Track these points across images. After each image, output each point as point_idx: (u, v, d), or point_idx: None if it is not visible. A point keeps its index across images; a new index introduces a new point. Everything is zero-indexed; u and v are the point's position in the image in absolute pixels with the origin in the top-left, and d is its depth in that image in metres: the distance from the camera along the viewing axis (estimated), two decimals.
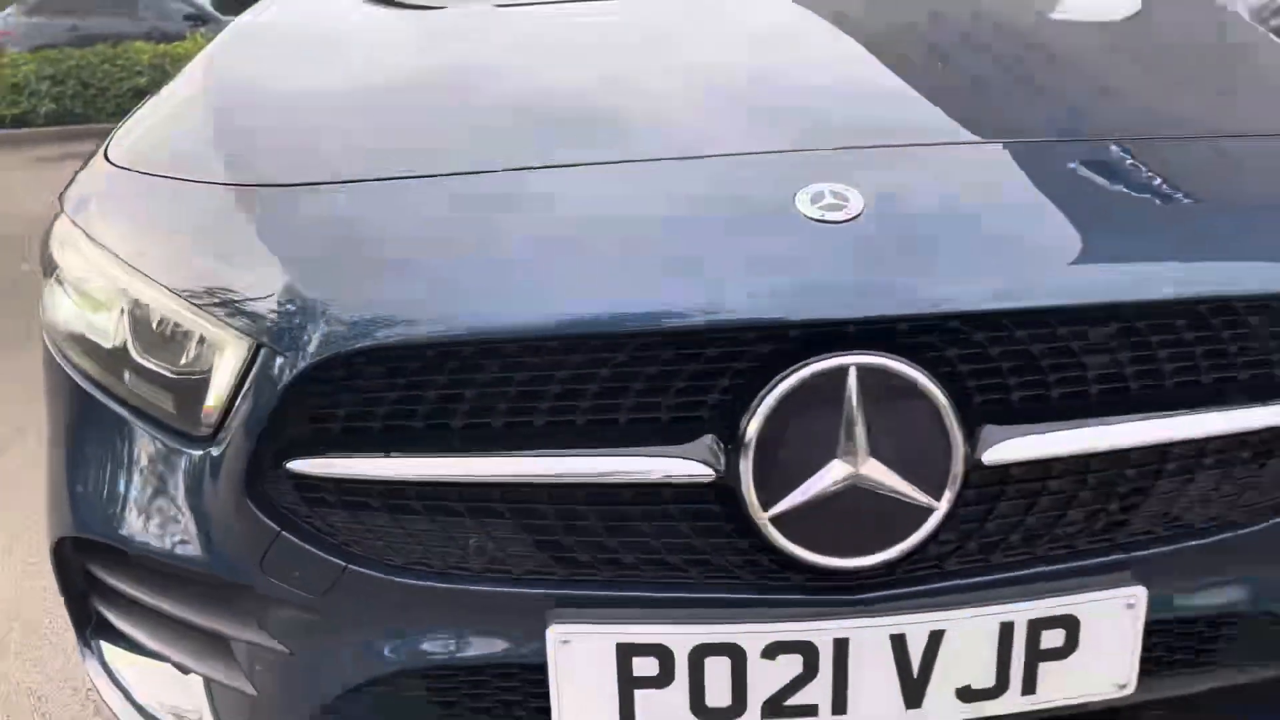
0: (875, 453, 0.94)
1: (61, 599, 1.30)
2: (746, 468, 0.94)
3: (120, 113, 9.29)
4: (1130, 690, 1.03)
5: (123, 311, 1.12)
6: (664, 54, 1.43)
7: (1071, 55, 1.46)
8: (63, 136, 10.70)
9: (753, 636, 0.97)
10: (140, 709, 1.23)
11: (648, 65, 1.39)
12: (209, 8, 15.61)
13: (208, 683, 1.18)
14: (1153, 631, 1.04)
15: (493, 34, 1.65)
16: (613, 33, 1.56)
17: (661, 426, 0.97)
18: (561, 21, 1.64)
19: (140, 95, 11.16)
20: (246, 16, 1.87)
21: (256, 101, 1.39)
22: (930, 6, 1.67)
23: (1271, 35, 1.65)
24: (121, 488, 1.12)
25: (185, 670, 1.20)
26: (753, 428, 0.93)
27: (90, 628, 1.30)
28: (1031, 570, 1.01)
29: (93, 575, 1.24)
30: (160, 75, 11.33)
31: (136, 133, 1.39)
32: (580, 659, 0.98)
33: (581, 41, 1.53)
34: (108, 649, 1.28)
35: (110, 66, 11.28)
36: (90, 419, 1.16)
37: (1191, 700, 1.12)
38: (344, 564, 1.00)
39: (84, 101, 11.05)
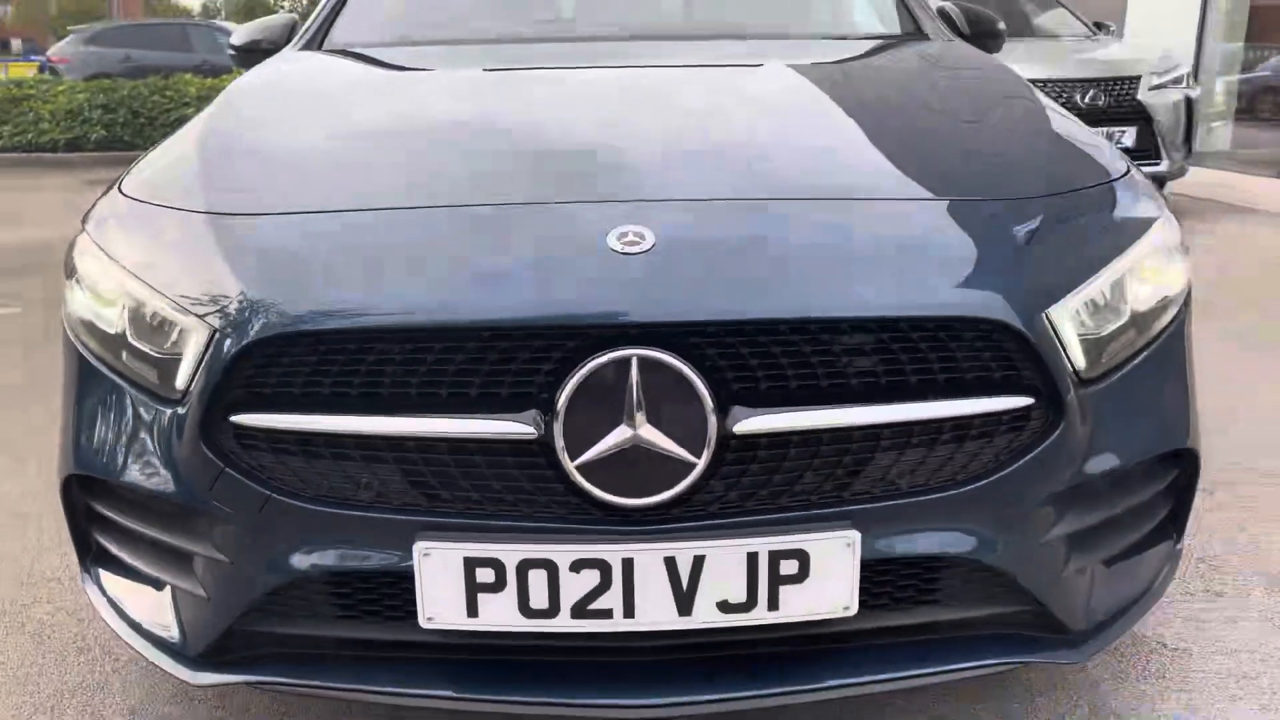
0: (651, 421, 1.29)
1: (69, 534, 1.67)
2: (558, 429, 1.29)
3: None
4: (853, 612, 1.36)
5: (123, 308, 1.49)
6: (552, 123, 1.81)
7: (845, 129, 1.82)
8: (112, 161, 11.30)
9: (563, 554, 1.32)
10: (128, 620, 1.59)
11: (538, 131, 1.78)
12: None
13: (174, 594, 1.53)
14: (871, 568, 1.37)
15: (439, 94, 2.06)
16: (523, 105, 1.96)
17: (501, 400, 1.32)
18: (489, 90, 2.05)
19: None
20: (249, 74, 2.28)
21: (236, 149, 1.79)
22: (739, 90, 2.07)
23: (1052, 106, 1.97)
24: (115, 436, 1.49)
25: (160, 585, 1.56)
26: (562, 400, 1.28)
27: (90, 557, 1.67)
28: (775, 515, 1.34)
29: (92, 510, 1.61)
30: (206, 106, 11.97)
31: (146, 170, 1.78)
32: (437, 567, 1.33)
33: (493, 109, 1.94)
34: (104, 575, 1.65)
35: (159, 97, 11.90)
36: (94, 386, 1.53)
37: (913, 629, 1.45)
38: (268, 493, 1.36)
39: (133, 130, 11.66)
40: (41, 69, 23.95)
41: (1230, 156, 9.30)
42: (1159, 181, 6.89)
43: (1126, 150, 6.29)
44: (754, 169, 1.61)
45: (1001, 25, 2.90)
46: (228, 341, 1.34)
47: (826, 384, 1.33)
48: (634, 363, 1.28)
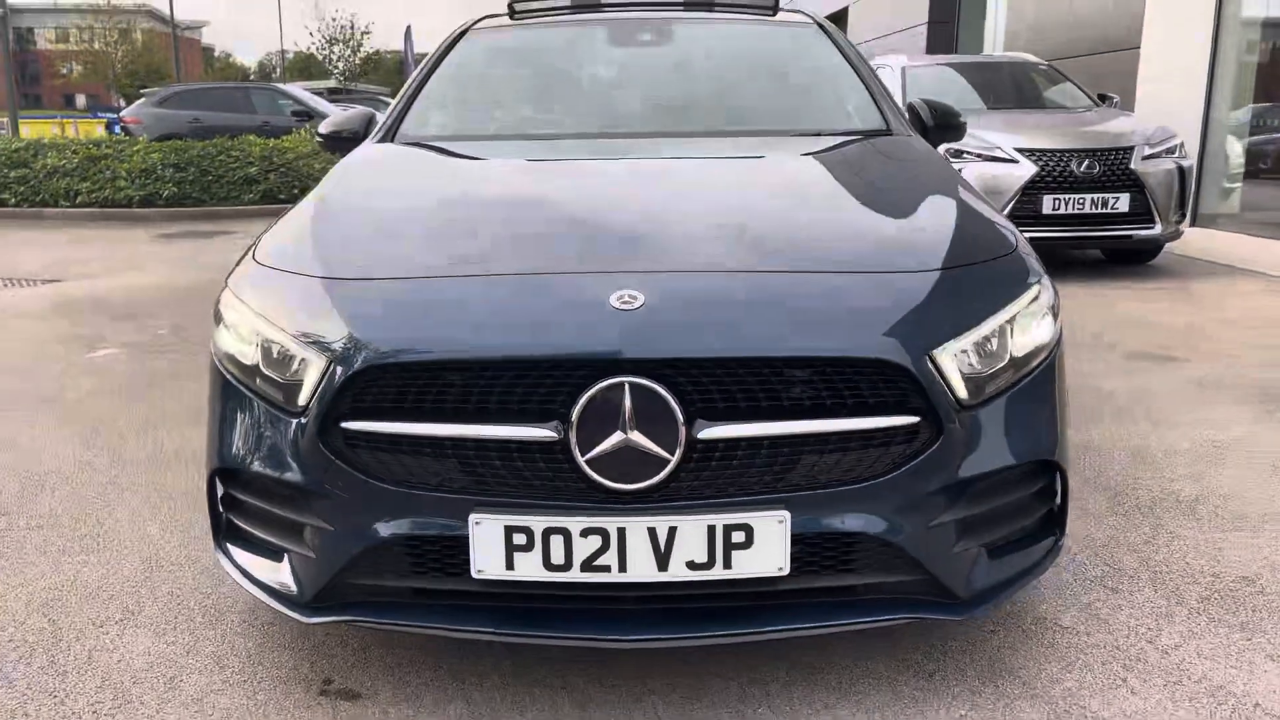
0: (639, 429, 1.82)
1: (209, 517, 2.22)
2: (573, 434, 1.82)
3: (231, 198, 10.60)
4: (786, 572, 1.87)
5: (256, 345, 2.06)
6: (578, 207, 2.38)
7: (798, 216, 2.36)
8: (182, 216, 12.17)
9: (575, 524, 1.84)
10: (252, 579, 2.13)
11: (567, 214, 2.34)
12: (314, 105, 17.25)
13: (290, 558, 2.08)
14: (801, 540, 1.88)
15: (489, 181, 2.66)
16: (555, 190, 2.55)
17: (533, 412, 1.86)
18: (533, 178, 2.64)
19: (250, 183, 12.49)
20: (343, 166, 2.89)
21: (337, 227, 2.37)
22: (723, 183, 2.66)
23: (970, 194, 2.50)
24: (251, 439, 2.05)
25: (279, 555, 2.10)
26: (576, 413, 1.82)
27: (223, 535, 2.22)
28: (728, 499, 1.86)
29: (228, 497, 2.17)
30: (268, 166, 12.82)
31: (272, 241, 2.36)
32: (485, 533, 1.86)
33: (532, 194, 2.53)
34: (232, 549, 2.20)
35: (225, 157, 12.78)
36: (235, 403, 2.09)
37: (835, 590, 1.96)
38: (365, 479, 1.91)
39: (201, 187, 12.52)
40: (110, 127, 25.27)
41: (1238, 219, 9.71)
42: (1154, 243, 7.37)
43: (1121, 215, 6.80)
44: (723, 250, 2.15)
45: (962, 119, 3.44)
46: (339, 370, 1.90)
47: (766, 404, 1.86)
48: (626, 387, 1.81)
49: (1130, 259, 7.78)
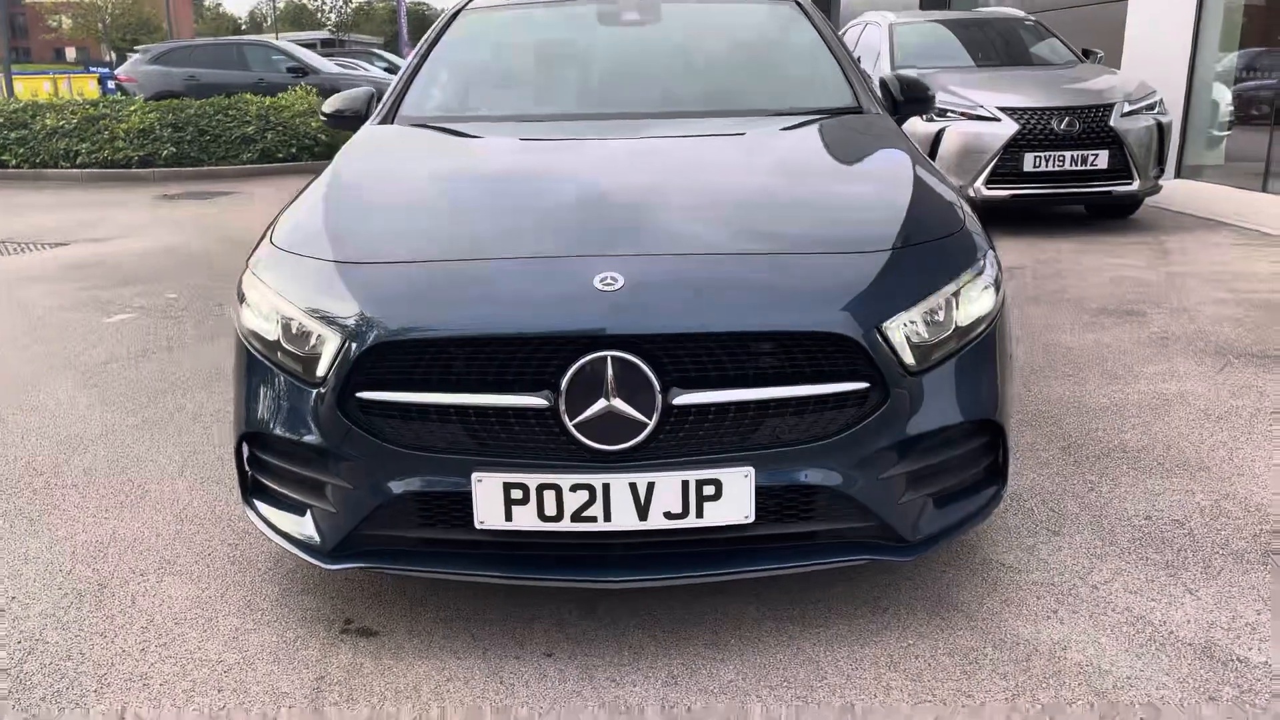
0: (620, 396, 2.06)
1: (236, 475, 2.47)
2: (563, 402, 2.07)
3: (229, 157, 10.75)
4: (752, 520, 2.13)
5: (277, 321, 2.30)
6: (566, 191, 2.61)
7: (766, 199, 2.58)
8: (181, 176, 12.32)
9: (565, 480, 2.10)
10: (279, 531, 2.39)
11: (556, 198, 2.57)
12: (309, 61, 17.27)
13: (312, 511, 2.33)
14: (765, 492, 2.14)
15: (486, 164, 2.89)
16: (546, 173, 2.78)
17: (527, 382, 2.10)
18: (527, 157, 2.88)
19: (248, 142, 12.61)
20: (348, 150, 3.11)
21: (346, 212, 2.60)
22: (699, 163, 2.89)
23: (928, 172, 2.72)
24: (275, 406, 2.30)
25: (301, 510, 2.36)
26: (565, 383, 2.06)
27: (249, 492, 2.47)
28: (700, 456, 2.11)
29: (255, 458, 2.42)
30: (265, 124, 12.94)
31: (288, 224, 2.59)
32: (486, 489, 2.12)
33: (526, 176, 2.76)
34: (259, 504, 2.45)
35: (223, 116, 12.90)
36: (258, 374, 2.34)
37: (797, 536, 2.22)
38: (379, 441, 2.16)
39: (199, 147, 12.65)
40: (103, 81, 25.19)
41: (1223, 170, 9.90)
42: (1133, 199, 7.57)
43: (1099, 171, 7.00)
44: (697, 233, 2.39)
45: (931, 92, 3.65)
46: (353, 345, 2.14)
47: (733, 373, 2.10)
48: (609, 360, 2.05)
49: (1111, 213, 7.99)
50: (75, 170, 12.59)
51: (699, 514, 2.13)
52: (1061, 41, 8.84)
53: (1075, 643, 2.28)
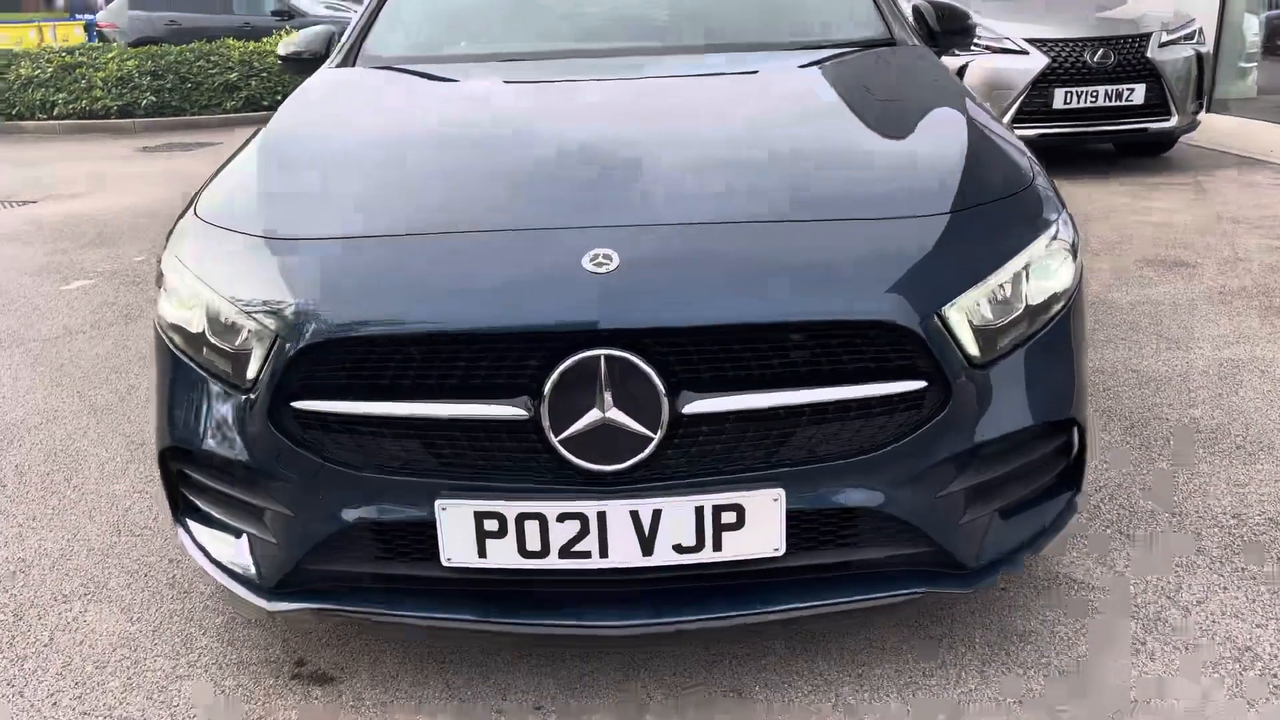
0: (617, 405, 1.65)
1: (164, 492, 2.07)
2: (545, 412, 1.65)
3: (212, 106, 10.20)
4: (781, 552, 1.72)
5: (201, 312, 1.87)
6: (549, 147, 2.15)
7: (790, 152, 2.11)
8: (163, 127, 11.78)
9: (551, 508, 1.69)
10: (212, 560, 1.99)
11: (537, 156, 2.11)
12: (295, 3, 16.57)
13: (250, 540, 1.93)
14: (797, 518, 1.73)
15: (457, 113, 2.42)
16: (528, 124, 2.32)
17: (501, 388, 1.68)
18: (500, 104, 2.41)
19: (231, 90, 12.04)
20: (294, 100, 2.64)
21: (284, 177, 2.15)
22: (710, 111, 2.40)
23: (980, 116, 2.26)
24: (199, 416, 1.88)
25: (238, 534, 1.96)
26: (547, 389, 1.64)
27: (180, 510, 2.07)
28: (717, 477, 1.70)
29: (183, 473, 2.02)
30: (248, 71, 12.36)
31: (216, 193, 2.15)
32: (453, 519, 1.71)
33: (504, 128, 2.30)
34: (192, 525, 2.05)
35: (205, 63, 12.31)
36: (181, 376, 1.92)
37: (835, 567, 1.81)
38: (322, 461, 1.75)
39: (181, 95, 12.09)
40: (89, 29, 24.41)
41: (1254, 104, 9.35)
42: (1170, 136, 7.07)
43: (1135, 107, 6.49)
44: (707, 194, 1.94)
45: (973, 21, 3.17)
46: (287, 345, 1.72)
47: (757, 373, 1.68)
48: (602, 360, 1.63)
49: (1142, 151, 7.47)
50: (53, 122, 12.05)
51: (716, 546, 1.72)
52: None
53: (1173, 687, 1.89)
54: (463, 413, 1.69)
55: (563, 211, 1.88)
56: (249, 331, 1.78)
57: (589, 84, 2.62)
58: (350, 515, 1.78)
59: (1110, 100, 6.62)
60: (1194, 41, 6.88)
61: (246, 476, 1.86)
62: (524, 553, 1.72)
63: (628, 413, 1.65)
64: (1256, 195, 6.21)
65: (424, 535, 1.77)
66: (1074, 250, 1.97)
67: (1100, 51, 6.60)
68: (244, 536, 1.94)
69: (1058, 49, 6.66)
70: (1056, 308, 1.90)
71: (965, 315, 1.75)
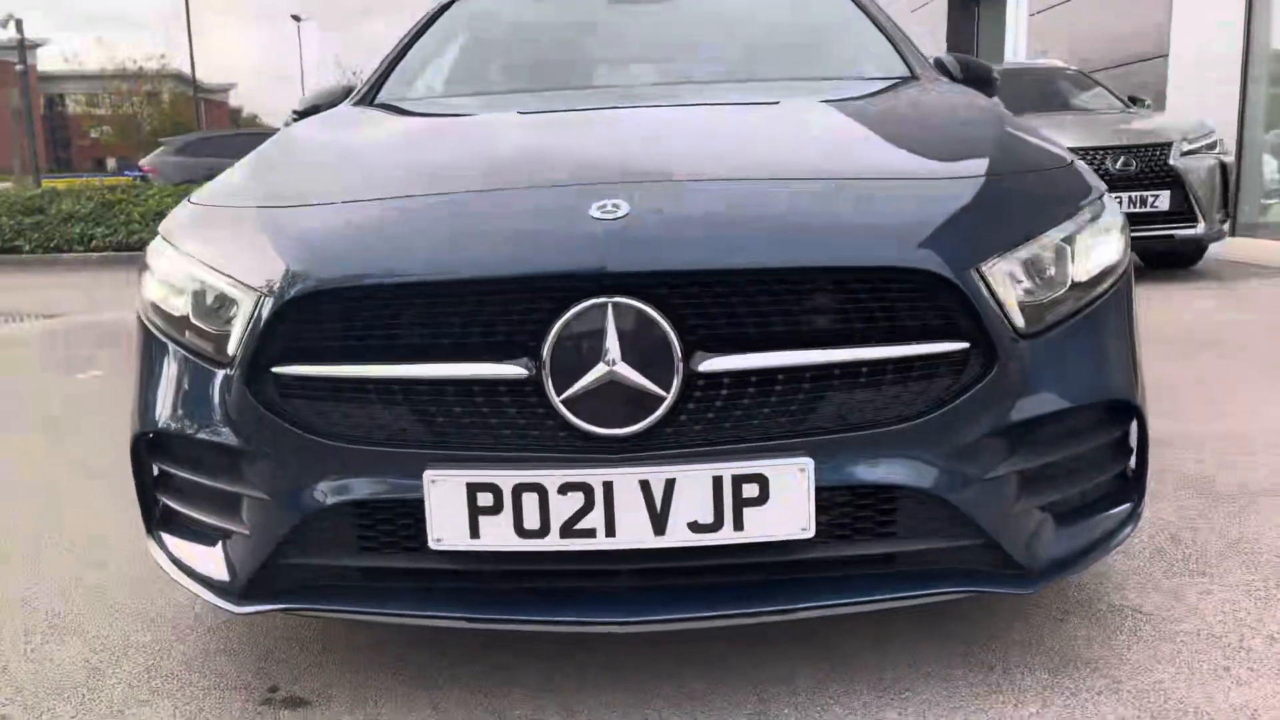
0: (626, 360, 1.49)
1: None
2: (547, 370, 1.50)
3: None
4: (810, 534, 1.52)
5: (188, 293, 1.75)
6: (558, 133, 2.07)
7: (815, 129, 2.02)
8: None
9: (551, 478, 1.50)
10: (185, 570, 1.80)
11: (543, 140, 2.03)
12: None
13: (224, 545, 1.75)
14: (827, 494, 1.53)
15: (463, 120, 2.34)
16: (538, 126, 2.25)
17: (498, 346, 1.53)
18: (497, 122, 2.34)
19: None
20: (307, 119, 2.60)
21: (283, 165, 2.07)
22: (733, 113, 2.32)
23: (1015, 119, 2.16)
24: (178, 397, 1.74)
25: (212, 541, 1.78)
26: (549, 344, 1.49)
27: (154, 522, 1.89)
28: (737, 444, 1.52)
29: (156, 477, 1.85)
30: None
31: (211, 186, 2.06)
32: (444, 493, 1.53)
33: (512, 123, 2.22)
34: (165, 538, 1.87)
35: None
36: (162, 358, 1.78)
37: (873, 559, 1.60)
38: (302, 433, 1.59)
39: None
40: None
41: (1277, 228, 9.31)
42: (1197, 244, 6.99)
43: (1161, 214, 6.44)
44: (728, 159, 1.83)
45: (996, 73, 3.11)
46: (267, 304, 1.58)
47: (782, 330, 1.52)
48: (609, 309, 1.49)
49: (1170, 263, 7.39)
50: (90, 254, 12.37)
51: (737, 525, 1.52)
52: (1107, 89, 8.38)
53: (1265, 709, 1.63)
54: (456, 373, 1.53)
55: (568, 171, 1.77)
56: (231, 300, 1.65)
57: (614, 109, 2.52)
58: (330, 496, 1.60)
59: (1135, 206, 6.58)
60: (1216, 151, 6.89)
61: (222, 460, 1.70)
62: (521, 532, 1.53)
63: (638, 369, 1.49)
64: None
65: (410, 517, 1.59)
66: (1122, 229, 1.82)
67: (1122, 159, 6.60)
68: (218, 544, 1.76)
69: (1080, 157, 6.65)
70: (1107, 284, 1.74)
71: (1008, 279, 1.60)
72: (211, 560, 1.77)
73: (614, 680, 1.79)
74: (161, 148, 17.70)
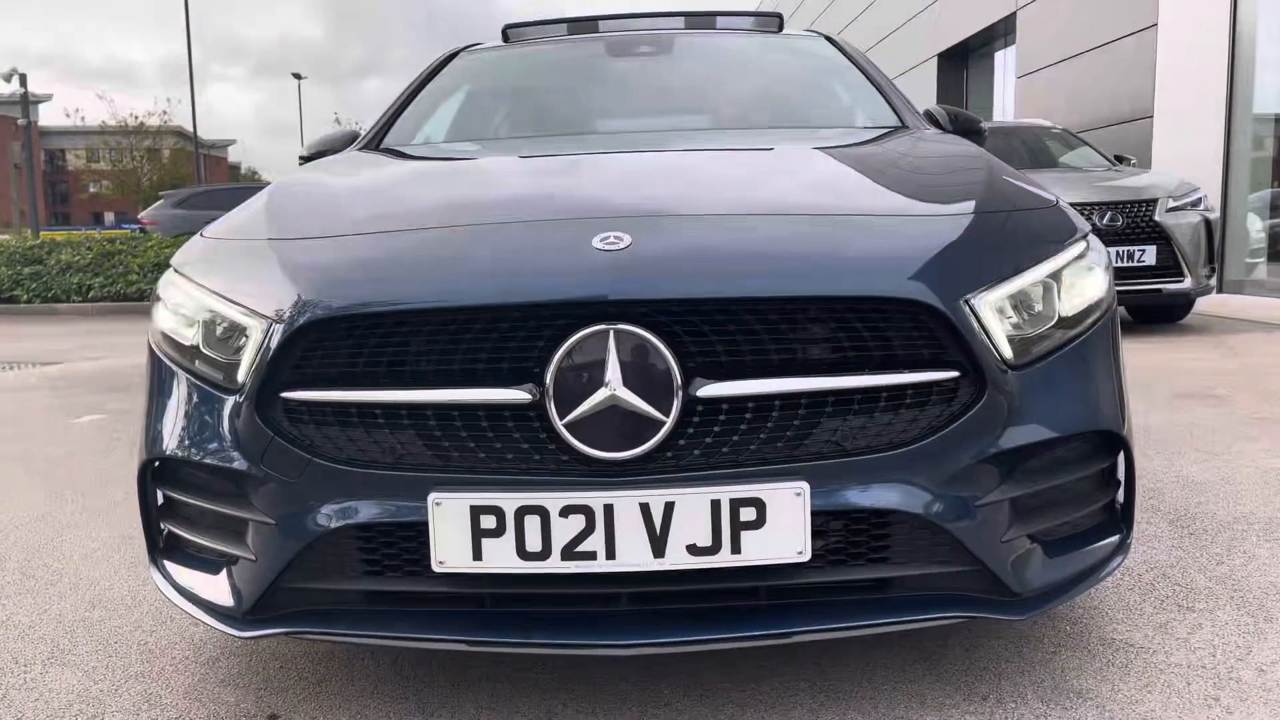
0: (627, 385, 1.53)
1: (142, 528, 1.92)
2: (550, 394, 1.54)
3: None
4: (807, 557, 1.55)
5: (199, 322, 1.80)
6: (562, 174, 2.14)
7: (809, 172, 2.10)
8: None
9: (553, 500, 1.54)
10: (189, 596, 1.82)
11: (548, 179, 2.10)
12: None
13: (229, 570, 1.78)
14: (823, 518, 1.57)
15: (468, 162, 2.41)
16: (541, 166, 2.32)
17: (503, 373, 1.58)
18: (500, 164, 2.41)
19: None
20: (313, 164, 2.67)
21: (295, 202, 2.13)
22: (732, 156, 2.41)
23: (1002, 164, 2.24)
24: (187, 424, 1.77)
25: (216, 569, 1.80)
26: (552, 369, 1.54)
27: (158, 551, 1.92)
28: (735, 469, 1.56)
29: (162, 498, 1.88)
30: None
31: (223, 222, 2.12)
32: (448, 514, 1.56)
33: (515, 165, 2.29)
34: (168, 565, 1.90)
35: None
36: (172, 387, 1.83)
37: (867, 585, 1.63)
38: (310, 457, 1.62)
39: None
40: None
41: (1264, 285, 9.46)
42: (1185, 298, 7.09)
43: (1148, 268, 6.54)
44: (729, 196, 1.90)
45: (984, 126, 3.20)
46: (278, 331, 1.63)
47: (777, 358, 1.57)
48: (611, 335, 1.54)
49: (1158, 317, 7.49)
50: (87, 304, 12.42)
51: (735, 548, 1.55)
52: (1093, 148, 8.56)
53: None
54: (462, 398, 1.58)
55: (571, 207, 1.83)
56: (243, 328, 1.70)
57: (614, 154, 2.60)
58: (335, 520, 1.63)
59: (1123, 261, 6.69)
60: (1201, 208, 7.02)
61: (230, 484, 1.73)
62: (524, 554, 1.56)
63: (639, 394, 1.54)
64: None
65: (414, 541, 1.62)
66: (1106, 267, 1.89)
67: (1109, 215, 6.73)
68: (223, 571, 1.79)
69: None
70: (1092, 319, 1.80)
71: (996, 312, 1.66)
72: (215, 586, 1.79)
73: (613, 707, 1.81)
74: (161, 200, 17.85)
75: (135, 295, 12.40)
